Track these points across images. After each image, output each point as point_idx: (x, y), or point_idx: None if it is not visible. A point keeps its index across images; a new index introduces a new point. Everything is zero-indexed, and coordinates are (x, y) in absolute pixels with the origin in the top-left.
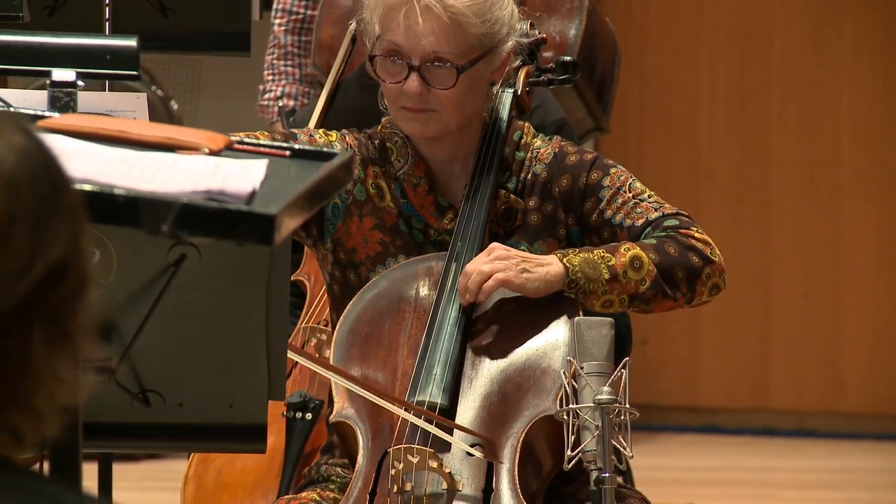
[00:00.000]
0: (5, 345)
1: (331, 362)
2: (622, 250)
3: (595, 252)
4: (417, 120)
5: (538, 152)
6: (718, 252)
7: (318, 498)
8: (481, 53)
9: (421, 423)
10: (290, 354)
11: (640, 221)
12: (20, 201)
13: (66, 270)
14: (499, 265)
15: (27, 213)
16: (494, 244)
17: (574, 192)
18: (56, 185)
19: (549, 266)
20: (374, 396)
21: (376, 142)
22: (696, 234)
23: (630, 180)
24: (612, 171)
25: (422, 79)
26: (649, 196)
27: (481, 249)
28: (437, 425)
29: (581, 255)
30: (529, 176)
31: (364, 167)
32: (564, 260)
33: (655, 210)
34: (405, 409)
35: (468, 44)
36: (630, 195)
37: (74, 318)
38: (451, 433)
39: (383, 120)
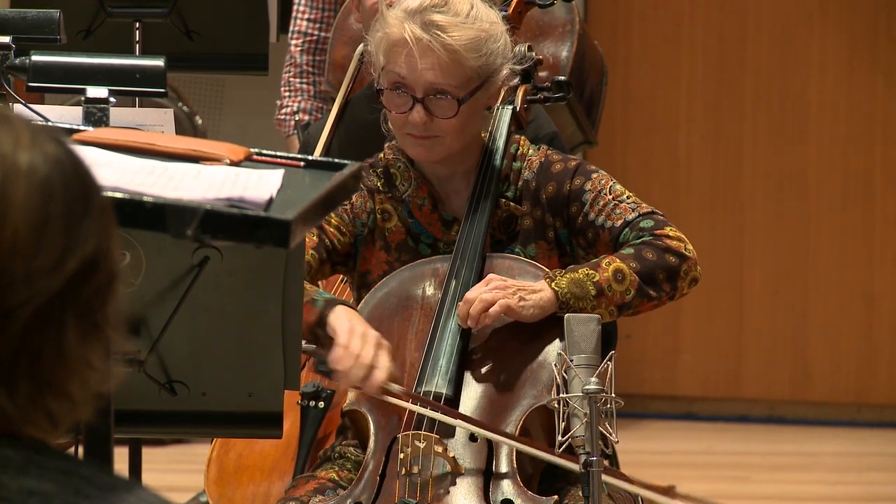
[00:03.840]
0: (42, 335)
1: None
2: (604, 265)
3: (580, 271)
4: (422, 146)
5: (529, 161)
6: (691, 247)
7: (336, 477)
8: (479, 84)
9: (434, 415)
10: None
11: (619, 222)
12: (54, 203)
13: (96, 266)
14: (499, 294)
15: (60, 214)
16: (491, 275)
17: (559, 197)
18: (86, 188)
19: (541, 293)
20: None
21: (379, 169)
22: (670, 233)
23: (610, 183)
24: (594, 175)
25: (425, 109)
26: (628, 197)
27: (483, 255)
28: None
29: (567, 276)
30: (521, 183)
31: (371, 197)
32: (553, 284)
33: (633, 210)
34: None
35: (466, 76)
36: (610, 197)
37: (105, 311)
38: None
39: (385, 147)
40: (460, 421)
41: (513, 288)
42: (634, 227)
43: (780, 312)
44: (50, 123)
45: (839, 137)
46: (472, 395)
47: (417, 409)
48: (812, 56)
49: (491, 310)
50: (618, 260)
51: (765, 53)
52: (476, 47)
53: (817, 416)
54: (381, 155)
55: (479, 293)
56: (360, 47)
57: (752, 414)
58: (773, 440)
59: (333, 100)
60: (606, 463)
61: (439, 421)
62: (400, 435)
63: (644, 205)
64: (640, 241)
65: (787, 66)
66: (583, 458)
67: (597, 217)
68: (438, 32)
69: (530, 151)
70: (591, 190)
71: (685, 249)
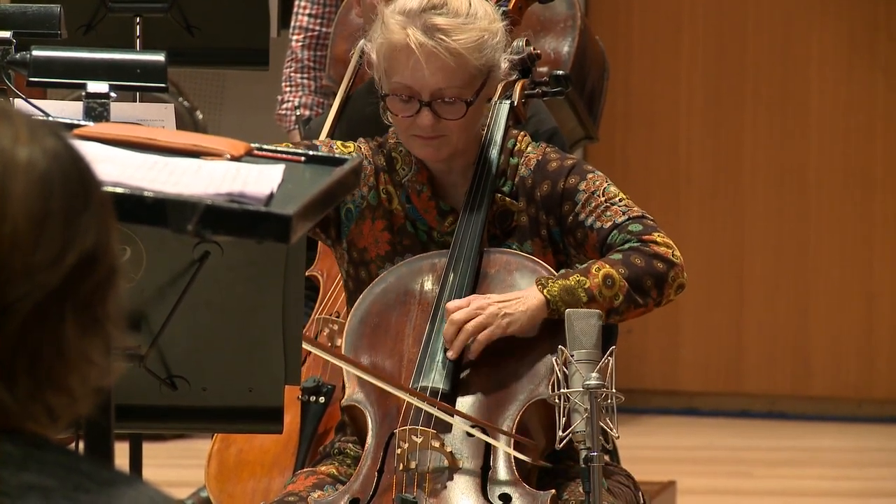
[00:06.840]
0: (41, 330)
1: (342, 351)
2: (594, 271)
3: (571, 277)
4: (430, 146)
5: (527, 157)
6: (679, 252)
7: (335, 472)
8: (483, 81)
9: (423, 405)
10: (306, 345)
11: (608, 224)
12: (53, 198)
13: (96, 261)
14: (481, 321)
15: (59, 209)
16: (474, 295)
17: (553, 195)
18: (85, 183)
19: (528, 301)
20: (377, 380)
21: (385, 151)
22: (658, 239)
23: (605, 185)
24: (589, 175)
25: (433, 112)
26: (620, 200)
27: (480, 250)
28: (437, 408)
29: (559, 282)
30: (518, 179)
31: (377, 175)
32: (545, 291)
33: (623, 213)
34: (407, 393)
35: (471, 76)
36: (603, 199)
37: (104, 306)
38: (451, 417)
39: (390, 131)
40: (458, 419)
41: (495, 307)
42: (622, 230)
43: (780, 307)
44: (50, 118)
45: (839, 132)
46: (469, 389)
47: (423, 406)
48: (812, 51)
49: (472, 347)
50: (607, 265)
51: (765, 48)
52: (479, 47)
53: (818, 411)
54: (387, 137)
55: (461, 315)
56: (361, 42)
57: (753, 409)
58: (774, 435)
59: (334, 95)
60: (607, 458)
61: (436, 416)
62: (397, 430)
63: (636, 208)
64: (627, 246)
65: (786, 61)
66: (583, 453)
67: (587, 218)
68: (443, 37)
69: (528, 148)
70: (584, 190)
71: (673, 256)
